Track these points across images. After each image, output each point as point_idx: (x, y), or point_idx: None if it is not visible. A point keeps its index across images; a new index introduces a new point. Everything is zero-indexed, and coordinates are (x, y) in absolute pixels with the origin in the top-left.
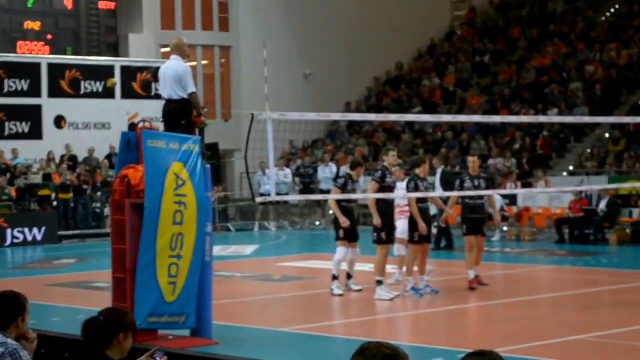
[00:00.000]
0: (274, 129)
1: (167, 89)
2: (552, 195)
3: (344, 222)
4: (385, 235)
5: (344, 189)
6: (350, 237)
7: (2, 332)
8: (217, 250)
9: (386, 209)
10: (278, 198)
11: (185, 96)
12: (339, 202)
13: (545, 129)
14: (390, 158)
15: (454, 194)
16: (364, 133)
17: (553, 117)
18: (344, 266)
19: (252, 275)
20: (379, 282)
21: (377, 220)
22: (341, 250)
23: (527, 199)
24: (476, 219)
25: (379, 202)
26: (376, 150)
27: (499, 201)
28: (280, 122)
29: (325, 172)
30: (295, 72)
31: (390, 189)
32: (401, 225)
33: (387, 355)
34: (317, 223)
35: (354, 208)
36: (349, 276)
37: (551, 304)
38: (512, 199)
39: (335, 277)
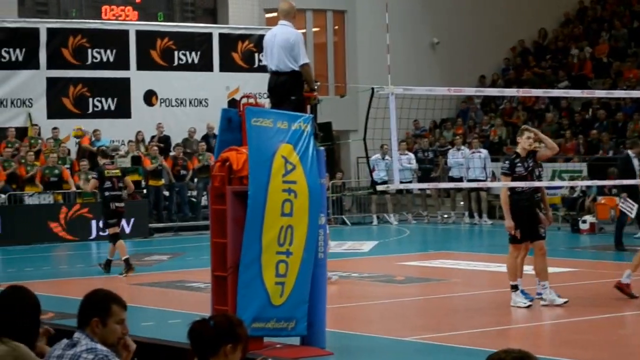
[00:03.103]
0: (397, 105)
1: (274, 59)
2: None
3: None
4: (519, 233)
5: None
6: None
7: (85, 333)
8: (331, 246)
9: (520, 202)
10: (402, 186)
11: (296, 68)
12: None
13: None
14: (524, 141)
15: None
16: (500, 111)
17: None
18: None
19: (370, 275)
20: (514, 287)
21: (508, 223)
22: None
23: None
24: None
25: (512, 195)
26: (514, 131)
27: None
28: (404, 99)
29: (457, 157)
30: (421, 40)
31: (524, 178)
32: None
33: (516, 357)
34: (446, 215)
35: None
36: None
37: None
38: None
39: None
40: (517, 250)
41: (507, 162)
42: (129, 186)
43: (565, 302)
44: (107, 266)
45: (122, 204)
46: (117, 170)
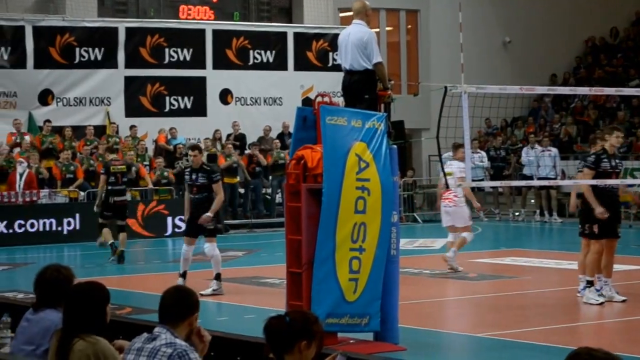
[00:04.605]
0: (469, 104)
1: (348, 58)
2: None
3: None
4: (598, 228)
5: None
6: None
7: (171, 330)
8: (403, 243)
9: (603, 197)
10: (474, 184)
11: (370, 67)
12: None
13: None
14: (614, 139)
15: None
16: (571, 110)
17: None
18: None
19: (442, 272)
20: (589, 283)
21: (599, 210)
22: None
23: None
24: None
25: (594, 189)
26: (585, 129)
27: None
28: (476, 97)
29: (530, 155)
30: (493, 39)
31: (608, 175)
32: (449, 213)
33: (599, 358)
34: (517, 213)
35: None
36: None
37: None
38: None
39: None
40: (599, 244)
41: (592, 155)
42: (141, 171)
43: (623, 300)
44: (119, 258)
45: (122, 198)
46: (123, 167)
